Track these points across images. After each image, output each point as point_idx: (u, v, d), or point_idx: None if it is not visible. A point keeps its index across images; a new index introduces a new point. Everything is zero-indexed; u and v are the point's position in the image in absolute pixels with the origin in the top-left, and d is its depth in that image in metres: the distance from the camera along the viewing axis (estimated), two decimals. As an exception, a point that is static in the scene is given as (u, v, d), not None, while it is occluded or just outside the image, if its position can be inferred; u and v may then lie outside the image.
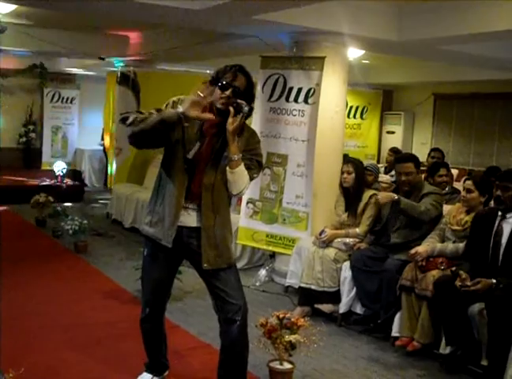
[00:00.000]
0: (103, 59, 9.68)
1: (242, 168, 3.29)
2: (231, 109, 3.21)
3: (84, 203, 11.58)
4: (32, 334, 4.77)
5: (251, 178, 3.39)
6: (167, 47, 7.90)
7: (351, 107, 11.77)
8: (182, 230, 3.43)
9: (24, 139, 13.58)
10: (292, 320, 4.01)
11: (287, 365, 4.02)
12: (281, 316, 4.03)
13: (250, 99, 3.36)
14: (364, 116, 12.14)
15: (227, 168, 3.28)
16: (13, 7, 6.86)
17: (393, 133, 12.27)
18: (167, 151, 3.48)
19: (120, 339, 4.67)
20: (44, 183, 11.59)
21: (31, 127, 13.60)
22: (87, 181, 13.42)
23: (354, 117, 12.01)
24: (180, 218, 3.41)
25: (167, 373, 4.00)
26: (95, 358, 4.34)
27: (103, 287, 6.10)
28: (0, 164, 13.39)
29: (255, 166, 3.41)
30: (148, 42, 8.85)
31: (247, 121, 3.46)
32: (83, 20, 7.70)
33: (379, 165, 8.56)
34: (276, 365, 4.02)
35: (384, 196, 5.17)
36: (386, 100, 12.59)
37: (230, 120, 3.21)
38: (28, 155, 13.77)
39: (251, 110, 3.29)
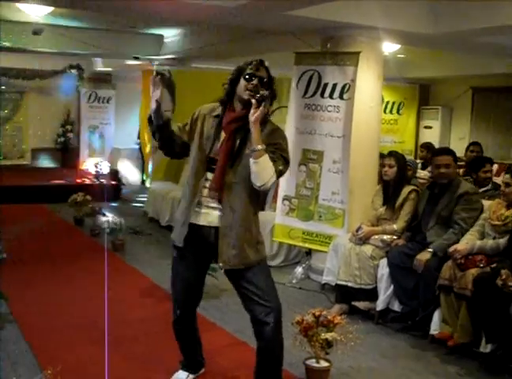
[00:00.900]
0: (137, 59, 9.74)
1: (266, 159, 3.20)
2: (253, 101, 3.18)
3: (122, 202, 11.69)
4: (68, 332, 4.83)
5: (277, 172, 3.27)
6: (201, 45, 7.93)
7: (387, 103, 11.61)
8: (210, 229, 3.41)
9: (62, 139, 13.76)
10: (329, 317, 3.98)
11: (323, 364, 3.99)
12: (317, 313, 3.99)
13: (272, 93, 3.33)
14: (401, 111, 11.97)
15: (251, 159, 3.21)
16: (49, 9, 6.94)
17: (430, 128, 12.08)
18: (191, 151, 3.52)
19: (156, 337, 4.69)
20: (82, 182, 11.75)
21: (68, 127, 13.76)
22: (124, 180, 13.53)
23: (390, 112, 11.84)
24: (206, 217, 3.41)
25: (203, 370, 4.02)
26: (131, 355, 4.37)
27: (139, 285, 6.14)
28: (39, 164, 13.68)
29: (279, 158, 3.30)
30: (182, 40, 8.88)
31: (280, 119, 3.43)
32: (118, 19, 7.75)
33: (417, 161, 8.45)
34: (312, 363, 3.99)
35: (421, 260, 4.88)
36: (423, 95, 12.40)
37: (252, 111, 3.19)
38: (66, 154, 13.95)
39: (273, 97, 3.29)
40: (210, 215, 3.41)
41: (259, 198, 3.52)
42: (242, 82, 3.30)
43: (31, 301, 5.52)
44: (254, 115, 3.18)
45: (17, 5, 6.79)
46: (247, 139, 3.30)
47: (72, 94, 13.63)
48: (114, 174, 13.17)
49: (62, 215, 9.75)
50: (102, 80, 13.90)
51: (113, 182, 12.38)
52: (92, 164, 12.34)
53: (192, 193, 3.43)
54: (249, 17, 5.87)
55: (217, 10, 5.46)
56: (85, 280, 6.28)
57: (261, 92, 3.20)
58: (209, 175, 3.39)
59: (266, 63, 3.36)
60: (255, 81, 3.27)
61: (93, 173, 12.11)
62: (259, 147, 3.18)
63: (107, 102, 13.75)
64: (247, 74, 3.29)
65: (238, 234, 3.36)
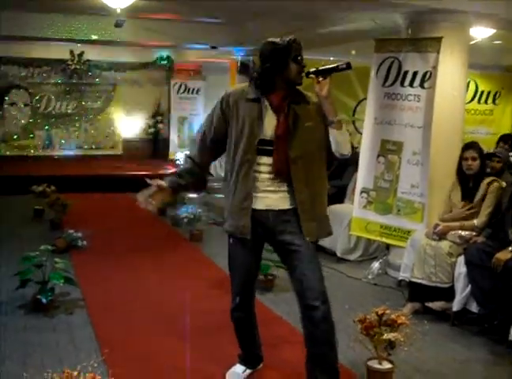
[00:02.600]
0: (215, 48, 9.74)
1: (344, 128, 3.31)
2: (313, 76, 3.21)
3: (208, 192, 11.76)
4: (135, 321, 4.88)
5: None
6: (281, 34, 7.80)
7: (482, 92, 11.05)
8: (268, 213, 3.35)
9: (152, 130, 14.06)
10: (392, 317, 3.78)
11: (386, 365, 3.78)
12: (380, 312, 3.80)
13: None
14: (497, 101, 11.34)
15: (335, 131, 3.25)
16: (130, 1, 7.00)
17: (529, 118, 11.39)
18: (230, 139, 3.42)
19: (218, 329, 4.61)
20: (169, 172, 11.94)
21: (159, 118, 14.06)
22: (212, 171, 13.62)
23: (485, 102, 11.25)
24: (264, 201, 3.34)
25: (261, 365, 3.93)
26: (191, 346, 4.32)
27: (211, 276, 6.11)
28: (130, 154, 14.05)
29: None
30: (260, 29, 8.77)
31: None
32: (197, 10, 7.76)
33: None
34: (374, 364, 3.79)
35: (500, 259, 4.51)
36: (523, 84, 11.71)
37: (317, 87, 3.21)
38: (157, 145, 14.26)
39: (348, 66, 3.21)
40: (268, 199, 3.35)
41: (326, 171, 3.50)
42: (294, 66, 3.22)
43: (104, 288, 5.63)
44: (323, 90, 3.20)
45: (101, -3, 6.91)
46: (299, 114, 3.29)
47: (162, 85, 13.93)
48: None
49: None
50: (191, 71, 14.07)
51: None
52: (182, 155, 12.49)
53: (246, 180, 3.32)
54: (325, 4, 5.69)
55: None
56: (160, 270, 6.34)
57: (319, 69, 3.21)
58: (263, 159, 3.31)
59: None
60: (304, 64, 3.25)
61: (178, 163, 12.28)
62: (336, 118, 3.25)
63: (197, 93, 13.94)
64: (298, 57, 3.21)
65: (315, 206, 3.37)
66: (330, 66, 3.21)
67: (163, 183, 3.54)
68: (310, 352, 3.45)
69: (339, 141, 3.28)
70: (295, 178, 3.30)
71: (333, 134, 3.26)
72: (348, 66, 3.19)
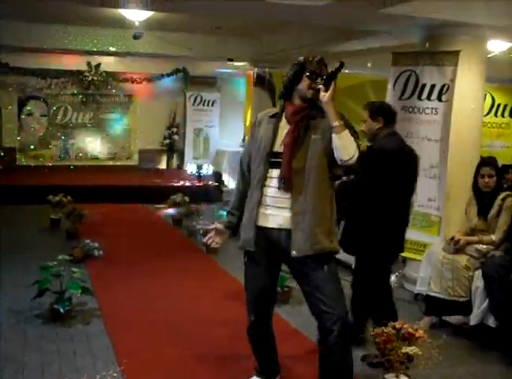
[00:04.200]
0: (231, 61, 9.81)
1: (347, 133, 3.17)
2: (321, 87, 3.15)
3: (223, 203, 11.78)
4: (151, 330, 4.88)
5: (358, 146, 3.22)
6: (298, 46, 7.84)
7: (498, 105, 11.00)
8: (280, 232, 3.34)
9: (167, 141, 14.13)
10: (410, 330, 3.76)
11: (403, 379, 3.77)
12: (398, 326, 3.78)
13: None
14: (514, 114, 11.30)
15: (333, 135, 3.16)
16: (149, 13, 7.08)
17: (547, 132, 11.31)
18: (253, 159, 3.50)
19: (234, 340, 4.62)
20: (184, 184, 12.01)
21: (174, 129, 14.11)
22: (227, 182, 13.68)
23: (502, 115, 11.20)
24: (276, 220, 3.34)
25: (278, 378, 3.91)
26: (207, 356, 4.35)
27: (227, 288, 6.12)
28: (145, 165, 14.12)
29: (352, 134, 3.24)
30: (279, 41, 8.83)
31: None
32: (214, 23, 7.81)
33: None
34: (391, 377, 3.77)
35: None
36: (540, 97, 11.63)
37: (322, 94, 3.15)
38: (172, 156, 14.33)
39: (342, 65, 3.13)
40: (280, 217, 3.34)
41: (333, 185, 3.45)
42: (305, 80, 3.28)
43: (120, 298, 5.65)
44: (326, 96, 3.14)
45: (119, 10, 6.98)
46: (310, 127, 3.31)
47: (178, 97, 14.01)
48: (217, 176, 13.37)
49: (162, 215, 9.96)
50: (207, 83, 14.16)
51: (215, 184, 12.54)
52: (196, 166, 12.58)
53: (257, 193, 3.38)
54: (341, 16, 5.73)
55: (309, 10, 5.35)
56: (176, 281, 6.35)
57: (324, 76, 3.18)
58: (274, 172, 3.34)
59: (325, 61, 3.34)
60: (319, 80, 3.22)
61: (196, 174, 12.35)
62: (337, 123, 3.15)
63: (212, 104, 14.04)
64: (311, 72, 3.25)
65: (310, 219, 3.27)
66: (329, 72, 3.18)
67: (219, 226, 3.67)
68: (322, 371, 3.45)
69: (337, 146, 3.17)
70: (294, 188, 3.29)
71: (334, 139, 3.18)
72: (341, 65, 3.14)
